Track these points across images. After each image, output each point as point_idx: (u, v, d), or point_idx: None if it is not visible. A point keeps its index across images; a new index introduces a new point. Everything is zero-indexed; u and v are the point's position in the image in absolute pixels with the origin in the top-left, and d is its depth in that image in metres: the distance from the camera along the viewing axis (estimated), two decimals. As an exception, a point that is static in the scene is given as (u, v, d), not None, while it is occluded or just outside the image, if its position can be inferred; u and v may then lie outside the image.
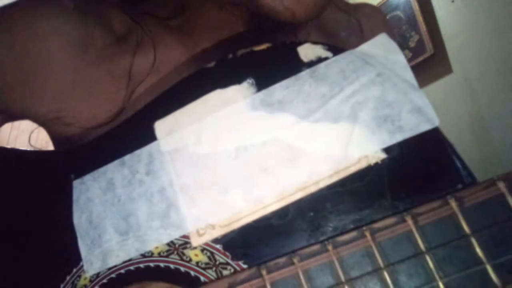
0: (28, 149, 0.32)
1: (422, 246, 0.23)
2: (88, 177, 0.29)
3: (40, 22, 0.33)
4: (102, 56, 0.35)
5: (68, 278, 0.28)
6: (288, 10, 0.29)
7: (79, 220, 0.29)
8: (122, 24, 0.36)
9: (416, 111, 0.25)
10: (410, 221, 0.23)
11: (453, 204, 0.23)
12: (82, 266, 0.28)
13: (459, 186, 0.24)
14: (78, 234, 0.28)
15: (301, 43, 0.28)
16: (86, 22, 0.34)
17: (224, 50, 0.36)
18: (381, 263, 0.23)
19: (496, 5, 1.42)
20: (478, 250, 0.22)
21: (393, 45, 0.26)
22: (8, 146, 0.35)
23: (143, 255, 0.27)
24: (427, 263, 0.22)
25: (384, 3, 1.86)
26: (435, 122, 0.25)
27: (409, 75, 0.26)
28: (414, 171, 0.24)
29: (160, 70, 0.35)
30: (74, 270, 0.28)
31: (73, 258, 0.28)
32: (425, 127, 0.25)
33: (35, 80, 0.33)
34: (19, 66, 0.33)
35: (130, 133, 0.30)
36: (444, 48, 1.60)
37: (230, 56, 0.28)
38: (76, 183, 0.29)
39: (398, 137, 0.25)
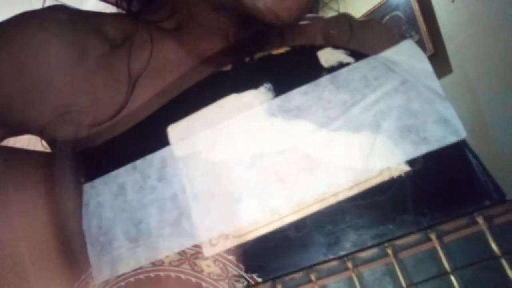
0: (39, 150, 0.30)
1: (447, 266, 0.20)
2: (98, 181, 0.27)
3: (36, 35, 0.32)
4: (99, 64, 0.34)
5: (76, 284, 0.26)
6: (272, 13, 0.29)
7: (88, 225, 0.26)
8: (118, 32, 0.36)
9: (442, 122, 0.23)
10: (434, 239, 0.21)
11: (481, 222, 0.20)
12: (90, 272, 0.26)
13: (487, 202, 0.21)
14: (87, 240, 0.26)
15: (321, 47, 0.25)
16: (81, 34, 0.34)
17: (226, 55, 0.35)
18: (403, 282, 0.20)
19: (496, 5, 1.38)
20: (509, 273, 0.19)
21: (418, 52, 0.24)
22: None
23: (154, 264, 0.25)
24: (452, 284, 0.20)
25: (384, 3, 1.82)
26: (462, 134, 0.22)
27: (435, 84, 0.23)
28: (439, 186, 0.22)
29: (162, 73, 0.34)
30: (83, 276, 0.26)
31: (82, 264, 0.26)
32: (451, 139, 0.22)
33: (35, 90, 0.32)
34: (18, 78, 0.32)
35: (143, 136, 0.27)
36: (444, 48, 1.57)
37: (247, 59, 0.26)
38: (86, 187, 0.27)
39: (423, 149, 0.22)
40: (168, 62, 0.35)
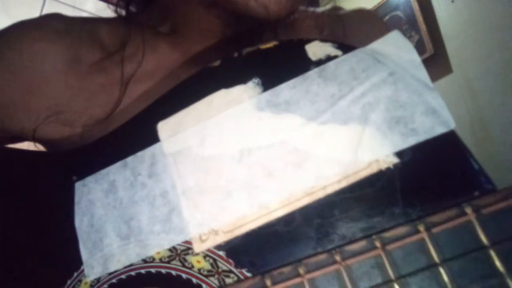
0: (31, 149, 0.30)
1: (436, 257, 0.20)
2: (90, 179, 0.27)
3: (32, 43, 0.33)
4: (94, 70, 0.34)
5: (69, 282, 0.26)
6: (261, 6, 0.28)
7: (80, 223, 0.26)
8: (113, 38, 0.36)
9: (430, 112, 0.22)
10: (423, 231, 0.20)
11: (470, 213, 0.20)
12: (83, 270, 0.26)
13: (476, 193, 0.21)
14: (79, 237, 0.26)
15: (309, 40, 0.25)
16: (76, 41, 0.34)
17: (217, 52, 0.35)
18: (391, 274, 0.20)
19: (496, 5, 1.38)
20: (497, 263, 0.19)
21: (406, 43, 0.24)
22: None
23: (145, 261, 0.25)
24: (441, 276, 0.20)
25: (384, 3, 1.82)
26: (451, 124, 0.22)
27: (423, 75, 0.23)
28: (428, 177, 0.22)
29: (155, 75, 0.34)
30: (75, 274, 0.26)
31: (74, 261, 0.26)
32: (440, 130, 0.22)
33: (30, 96, 0.33)
34: (14, 85, 0.32)
35: (133, 134, 0.27)
36: (444, 48, 1.56)
37: (236, 54, 0.26)
38: (78, 185, 0.27)
39: (411, 141, 0.22)
40: (161, 65, 0.35)
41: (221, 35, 0.35)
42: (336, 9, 0.42)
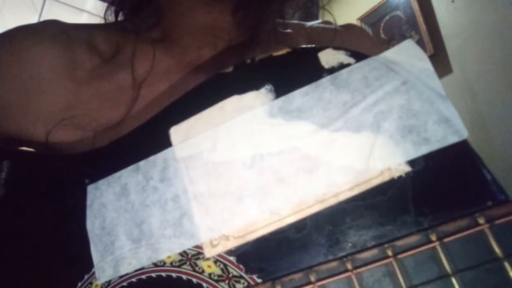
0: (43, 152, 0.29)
1: (448, 267, 0.20)
2: (102, 182, 0.27)
3: (29, 48, 0.32)
4: (92, 76, 0.33)
5: (80, 284, 0.25)
6: None
7: (92, 225, 0.26)
8: (108, 44, 0.35)
9: (443, 121, 0.22)
10: (435, 240, 0.20)
11: (483, 223, 0.20)
12: (93, 272, 0.25)
13: (489, 203, 0.20)
14: (91, 240, 0.26)
15: (321, 48, 0.24)
16: (73, 47, 0.34)
17: (214, 57, 0.35)
18: (403, 284, 0.20)
19: (496, 5, 1.36)
20: None
21: (419, 52, 0.23)
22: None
23: (155, 264, 0.24)
24: (453, 287, 0.19)
25: (384, 3, 1.80)
26: (464, 134, 0.21)
27: (436, 83, 0.22)
28: (440, 186, 0.21)
29: (153, 82, 0.33)
30: (86, 276, 0.25)
31: (85, 264, 0.25)
32: (453, 139, 0.21)
33: (29, 101, 0.32)
34: (11, 90, 0.32)
35: (146, 138, 0.27)
36: (444, 48, 1.54)
37: (248, 61, 0.25)
38: (90, 188, 0.27)
39: (424, 150, 0.22)
40: (158, 72, 0.34)
41: (216, 43, 0.34)
42: (327, 23, 0.42)
